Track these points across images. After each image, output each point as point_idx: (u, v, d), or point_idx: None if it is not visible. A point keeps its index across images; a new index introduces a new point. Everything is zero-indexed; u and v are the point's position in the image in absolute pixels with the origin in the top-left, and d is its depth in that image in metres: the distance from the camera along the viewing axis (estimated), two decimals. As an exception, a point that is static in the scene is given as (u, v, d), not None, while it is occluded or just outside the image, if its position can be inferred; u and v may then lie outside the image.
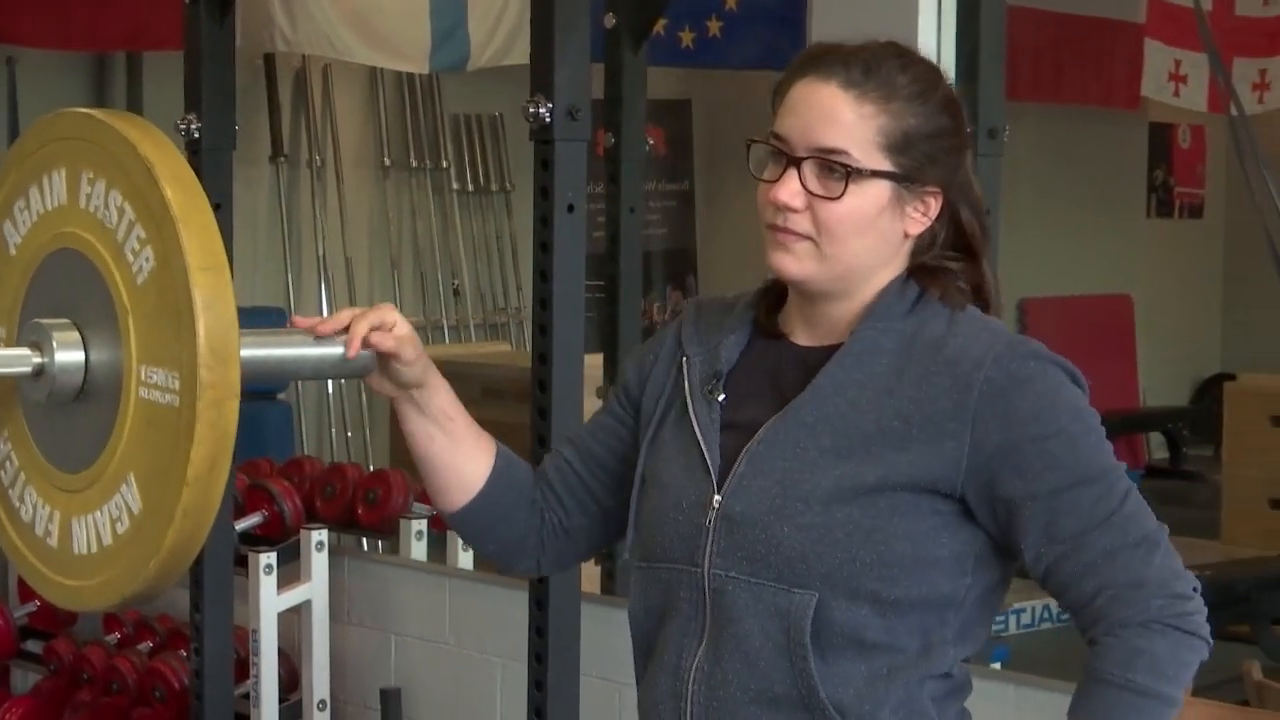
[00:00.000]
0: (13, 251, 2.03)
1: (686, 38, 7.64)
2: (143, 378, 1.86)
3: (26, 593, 4.76)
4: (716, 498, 1.98)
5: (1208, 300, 10.64)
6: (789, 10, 7.73)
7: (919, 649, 1.94)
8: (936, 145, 1.98)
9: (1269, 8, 8.67)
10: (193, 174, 1.87)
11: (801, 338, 2.04)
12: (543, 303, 3.29)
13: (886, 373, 1.95)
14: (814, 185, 1.95)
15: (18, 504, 2.01)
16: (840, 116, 1.95)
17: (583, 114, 3.24)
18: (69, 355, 1.90)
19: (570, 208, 3.26)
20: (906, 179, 1.96)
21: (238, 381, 1.83)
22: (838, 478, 1.92)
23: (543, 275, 3.28)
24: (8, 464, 2.03)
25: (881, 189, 1.96)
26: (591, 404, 3.58)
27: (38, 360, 1.90)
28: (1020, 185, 8.25)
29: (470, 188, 7.89)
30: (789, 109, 1.98)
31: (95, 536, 1.92)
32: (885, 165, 1.95)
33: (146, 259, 1.85)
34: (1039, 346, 1.96)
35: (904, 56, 2.00)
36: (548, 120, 3.21)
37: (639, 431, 2.11)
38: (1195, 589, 1.92)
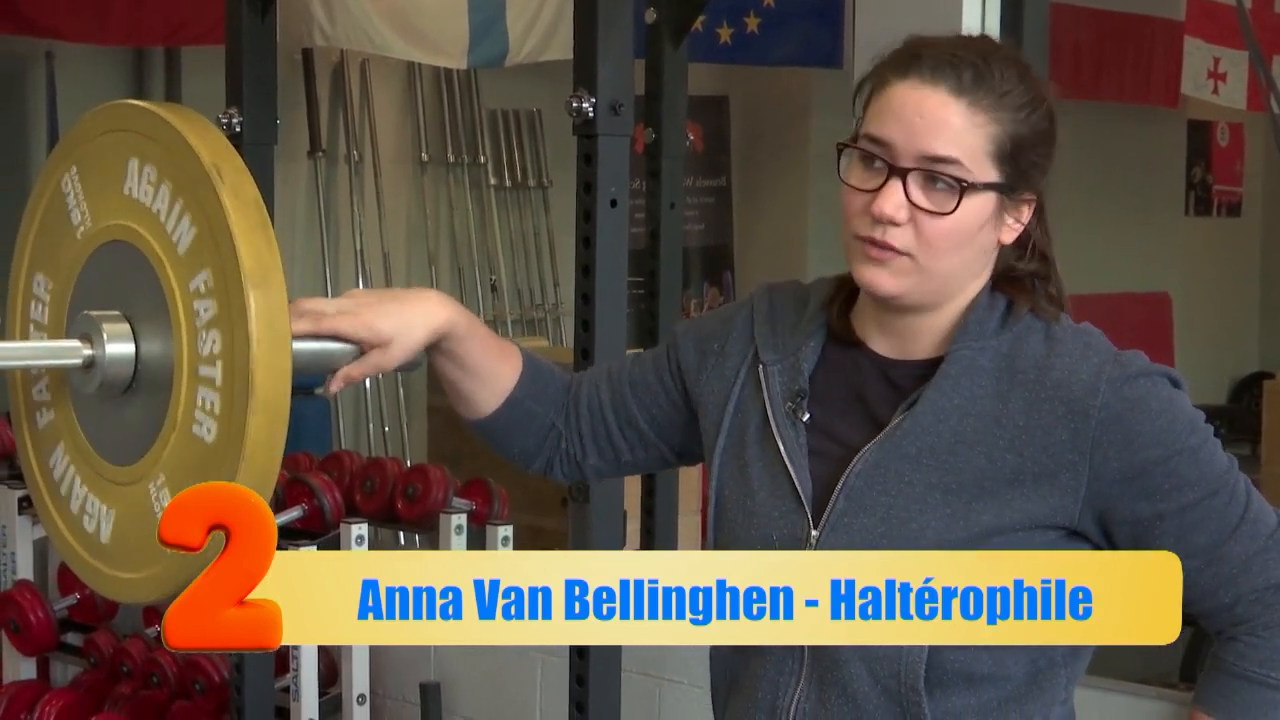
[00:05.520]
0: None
1: (725, 34, 7.65)
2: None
3: (66, 585, 4.76)
4: (814, 533, 1.89)
5: (1246, 298, 10.61)
6: (827, 7, 7.74)
7: (1025, 675, 1.88)
8: (1039, 153, 1.89)
9: (1309, 6, 8.66)
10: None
11: (879, 345, 1.95)
12: (585, 298, 3.28)
13: (989, 397, 1.86)
14: (920, 198, 1.83)
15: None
16: (952, 124, 1.83)
17: (625, 108, 3.24)
18: (119, 348, 1.89)
19: (613, 203, 3.25)
20: (1010, 188, 1.87)
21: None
22: (949, 518, 1.84)
23: (585, 270, 3.28)
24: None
25: (988, 201, 1.86)
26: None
27: (88, 352, 1.89)
28: (1058, 183, 8.19)
29: (508, 183, 7.90)
30: (891, 113, 1.85)
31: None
32: (994, 176, 1.85)
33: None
34: (1143, 360, 1.89)
35: (1007, 59, 1.88)
36: (590, 115, 3.21)
37: (689, 418, 2.05)
38: None
